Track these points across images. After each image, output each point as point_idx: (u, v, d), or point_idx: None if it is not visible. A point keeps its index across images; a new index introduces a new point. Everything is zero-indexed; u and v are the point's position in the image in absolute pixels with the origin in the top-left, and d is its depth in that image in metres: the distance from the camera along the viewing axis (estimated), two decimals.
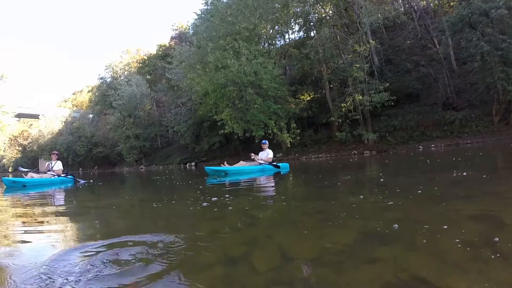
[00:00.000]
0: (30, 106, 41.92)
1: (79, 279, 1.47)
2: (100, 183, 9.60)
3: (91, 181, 9.78)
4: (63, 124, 39.46)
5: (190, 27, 29.38)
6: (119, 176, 15.24)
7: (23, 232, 2.73)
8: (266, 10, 17.91)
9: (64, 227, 2.92)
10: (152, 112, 28.92)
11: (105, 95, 31.87)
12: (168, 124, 25.10)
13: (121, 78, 33.77)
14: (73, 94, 63.03)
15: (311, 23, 19.14)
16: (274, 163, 8.49)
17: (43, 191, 6.96)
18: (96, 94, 39.94)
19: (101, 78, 38.41)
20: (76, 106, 53.83)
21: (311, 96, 20.14)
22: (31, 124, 49.77)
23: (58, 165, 9.35)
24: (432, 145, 14.69)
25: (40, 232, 2.74)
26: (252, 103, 16.46)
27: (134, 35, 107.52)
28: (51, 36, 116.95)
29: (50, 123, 40.27)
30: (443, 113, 15.96)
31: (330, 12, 19.17)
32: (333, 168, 9.00)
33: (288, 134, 17.37)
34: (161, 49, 39.52)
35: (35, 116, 42.54)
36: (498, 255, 1.41)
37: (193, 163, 23.03)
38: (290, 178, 6.55)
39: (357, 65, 15.79)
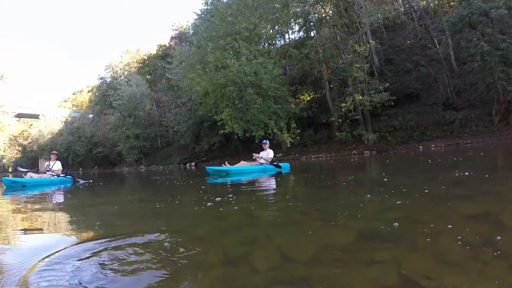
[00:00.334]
0: (30, 106, 41.91)
1: (78, 279, 1.47)
2: (101, 183, 9.60)
3: (91, 181, 9.77)
4: (63, 124, 39.45)
5: (190, 27, 29.40)
6: (119, 176, 15.24)
7: (23, 232, 2.73)
8: (266, 10, 17.91)
9: (64, 227, 2.92)
10: (152, 112, 28.92)
11: (105, 95, 31.87)
12: (168, 124, 25.09)
13: (121, 78, 33.75)
14: (73, 94, 63.05)
15: (311, 23, 19.15)
16: (275, 163, 8.49)
17: (43, 191, 6.96)
18: (96, 94, 39.94)
19: (101, 78, 38.43)
20: (76, 106, 53.82)
21: (311, 96, 20.14)
22: (31, 124, 49.75)
23: (57, 165, 9.34)
24: (432, 145, 14.70)
25: (40, 232, 2.74)
26: (252, 103, 16.46)
27: (134, 35, 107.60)
28: (51, 36, 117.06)
29: (50, 123, 40.26)
30: (443, 113, 15.97)
31: (330, 12, 19.17)
32: (334, 168, 8.99)
33: (288, 134, 17.37)
34: (161, 49, 39.52)
35: (35, 116, 42.53)
36: (498, 255, 1.41)
37: (193, 163, 23.03)
38: (293, 178, 6.54)
39: (357, 65, 15.80)
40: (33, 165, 34.01)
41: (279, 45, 21.78)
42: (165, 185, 7.25)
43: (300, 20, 19.80)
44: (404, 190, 3.32)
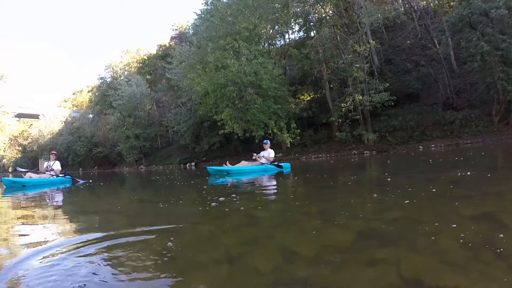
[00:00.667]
0: (30, 106, 41.90)
1: (77, 278, 1.47)
2: (101, 183, 9.59)
3: (90, 181, 9.76)
4: (63, 124, 39.45)
5: (190, 27, 29.39)
6: (119, 176, 15.24)
7: (22, 231, 2.73)
8: (266, 10, 17.90)
9: (65, 227, 2.92)
10: (152, 112, 28.91)
11: (105, 95, 31.86)
12: (168, 124, 25.09)
13: (121, 78, 33.73)
14: (73, 94, 63.04)
15: (311, 23, 19.14)
16: (276, 163, 8.48)
17: (43, 191, 6.96)
18: (96, 94, 39.92)
19: (101, 78, 38.41)
20: (76, 106, 53.81)
21: (311, 96, 20.14)
22: (31, 124, 49.75)
23: (56, 165, 9.34)
24: (432, 145, 14.70)
25: (40, 232, 2.73)
26: (252, 103, 16.46)
27: (134, 35, 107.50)
28: (51, 36, 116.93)
29: (50, 123, 40.26)
30: (443, 113, 15.96)
31: (330, 12, 19.17)
32: (335, 168, 8.99)
33: (288, 134, 17.37)
34: (161, 49, 39.51)
35: (35, 116, 42.52)
36: (499, 255, 1.41)
37: (193, 163, 23.03)
38: (295, 178, 6.52)
39: (357, 65, 15.79)
40: (33, 165, 33.99)
41: (279, 45, 21.77)
42: (166, 185, 7.24)
43: (300, 20, 19.80)
44: (410, 189, 3.33)
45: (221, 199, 3.59)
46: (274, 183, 5.86)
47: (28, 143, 45.25)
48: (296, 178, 6.60)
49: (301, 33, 20.96)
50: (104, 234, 2.32)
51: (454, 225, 1.87)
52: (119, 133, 27.95)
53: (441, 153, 10.10)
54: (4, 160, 52.11)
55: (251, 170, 8.02)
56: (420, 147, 14.79)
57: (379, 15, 15.88)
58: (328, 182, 5.48)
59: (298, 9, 18.72)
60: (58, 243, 2.14)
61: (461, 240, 1.61)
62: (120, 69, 38.93)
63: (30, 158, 44.53)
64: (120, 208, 3.95)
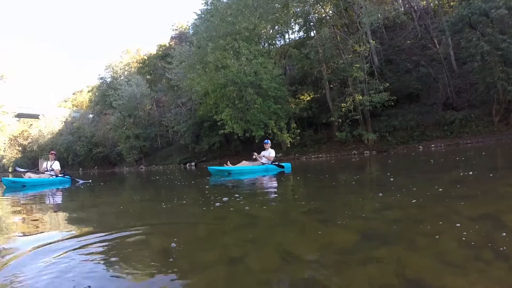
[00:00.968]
0: (30, 106, 41.96)
1: (77, 277, 1.47)
2: (102, 183, 9.58)
3: (90, 181, 9.73)
4: (63, 124, 39.47)
5: (190, 27, 29.39)
6: (119, 176, 15.23)
7: (22, 231, 2.73)
8: (266, 10, 17.91)
9: (65, 227, 2.92)
10: (152, 112, 28.91)
11: (105, 95, 31.85)
12: (168, 124, 25.09)
13: (121, 78, 33.74)
14: (73, 94, 63.08)
15: (311, 23, 19.14)
16: (277, 163, 8.48)
17: (43, 191, 6.95)
18: (96, 94, 39.92)
19: (101, 78, 38.40)
20: (76, 106, 53.83)
21: (311, 96, 20.14)
22: (31, 124, 49.77)
23: (56, 165, 9.34)
24: (432, 145, 14.70)
25: (40, 232, 2.73)
26: (252, 103, 16.46)
27: (134, 35, 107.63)
28: (51, 36, 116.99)
29: (50, 123, 40.28)
30: (443, 113, 15.97)
31: (330, 12, 19.17)
32: (336, 168, 8.98)
33: (288, 134, 17.37)
34: (161, 49, 39.51)
35: (35, 116, 42.55)
36: (499, 255, 1.41)
37: (193, 163, 23.04)
38: (298, 178, 6.50)
39: (357, 65, 15.80)
40: (33, 165, 33.99)
41: (279, 45, 21.77)
42: (167, 185, 7.22)
43: (300, 20, 19.80)
44: (414, 189, 3.32)
45: (225, 199, 3.58)
46: (277, 183, 5.84)
47: (28, 143, 45.29)
48: (298, 178, 6.58)
49: (301, 33, 20.99)
50: (105, 233, 2.32)
51: (458, 224, 1.87)
52: (119, 133, 27.96)
53: (442, 153, 10.10)
54: (4, 160, 52.15)
55: (252, 170, 8.01)
56: (420, 147, 14.80)
57: (379, 15, 15.90)
58: (331, 182, 5.48)
59: (298, 9, 18.72)
60: (58, 242, 2.14)
61: (464, 239, 1.61)
62: (120, 69, 38.91)
63: (30, 158, 44.56)
64: (122, 208, 3.94)
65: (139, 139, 27.41)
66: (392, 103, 15.66)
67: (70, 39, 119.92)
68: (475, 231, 1.75)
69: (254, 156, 8.73)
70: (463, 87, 17.18)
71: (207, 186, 5.68)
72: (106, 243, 2.05)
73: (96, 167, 33.68)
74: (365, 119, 16.60)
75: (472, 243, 1.57)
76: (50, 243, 2.10)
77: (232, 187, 5.47)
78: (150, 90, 29.32)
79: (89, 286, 1.40)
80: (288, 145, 17.68)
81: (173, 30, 40.20)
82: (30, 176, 8.88)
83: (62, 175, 9.44)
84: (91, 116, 38.61)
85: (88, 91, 52.74)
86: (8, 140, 42.55)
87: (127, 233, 2.33)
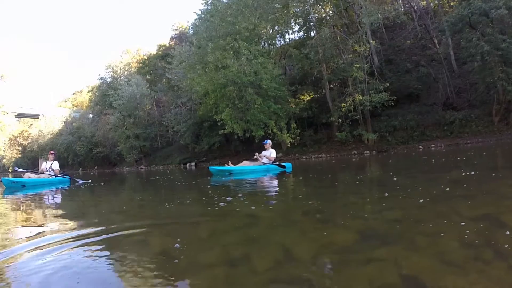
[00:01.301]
0: (30, 106, 41.94)
1: (76, 276, 1.47)
2: (102, 183, 9.58)
3: (89, 181, 9.72)
4: (63, 124, 39.45)
5: (190, 27, 29.38)
6: (119, 176, 15.23)
7: (22, 231, 2.73)
8: (266, 10, 17.90)
9: (65, 226, 2.92)
10: (152, 112, 28.91)
11: (105, 95, 31.84)
12: (168, 124, 25.09)
13: (121, 78, 33.73)
14: (73, 94, 63.05)
15: (311, 23, 19.14)
16: (277, 163, 8.47)
17: (43, 191, 6.95)
18: (96, 94, 39.89)
19: (101, 78, 38.37)
20: (76, 106, 53.80)
21: (311, 96, 20.14)
22: (31, 124, 49.76)
23: (55, 165, 9.36)
24: (432, 145, 14.70)
25: (40, 232, 2.73)
26: (252, 103, 16.46)
27: (134, 35, 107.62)
28: (51, 36, 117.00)
29: (50, 123, 40.27)
30: (443, 113, 15.97)
31: (330, 12, 19.17)
32: (338, 168, 8.97)
33: (288, 134, 17.37)
34: (161, 49, 39.50)
35: (35, 116, 42.53)
36: (499, 255, 1.41)
37: (193, 163, 23.03)
38: (301, 178, 6.49)
39: (357, 65, 15.79)
40: (33, 165, 34.02)
41: (279, 45, 21.76)
42: (169, 185, 7.21)
43: (300, 20, 19.80)
44: (420, 188, 3.32)
45: (229, 199, 3.58)
46: (278, 183, 5.85)
47: (28, 143, 45.27)
48: (301, 178, 6.58)
49: (301, 33, 20.98)
50: (105, 233, 2.32)
51: (459, 224, 1.87)
52: (119, 133, 27.95)
53: (442, 153, 10.10)
54: (4, 160, 52.15)
55: (254, 170, 8.01)
56: (420, 147, 14.80)
57: (379, 15, 15.90)
58: (333, 182, 5.47)
59: (298, 9, 18.72)
60: (58, 241, 2.14)
61: (464, 239, 1.61)
62: (120, 69, 38.89)
63: (30, 158, 44.56)
64: (125, 208, 3.94)
65: (139, 139, 27.41)
66: (392, 103, 15.66)
67: (70, 39, 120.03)
68: (476, 231, 1.75)
69: (255, 156, 8.73)
70: (463, 87, 17.18)
71: (209, 186, 5.68)
72: (107, 243, 2.05)
73: (96, 167, 33.68)
74: (365, 119, 16.60)
75: (472, 243, 1.58)
76: (51, 243, 2.10)
77: (235, 187, 5.46)
78: (150, 90, 29.32)
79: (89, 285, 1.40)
80: (288, 145, 17.68)
81: (173, 30, 40.22)
82: (29, 176, 8.89)
83: (61, 175, 9.45)
84: (91, 116, 38.60)
85: (88, 91, 52.72)
86: (8, 140, 42.53)
87: (129, 231, 2.33)
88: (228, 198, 3.58)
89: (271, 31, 20.15)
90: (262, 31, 19.02)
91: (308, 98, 20.00)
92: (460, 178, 3.98)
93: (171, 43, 37.08)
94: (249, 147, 18.28)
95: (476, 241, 1.59)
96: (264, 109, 16.69)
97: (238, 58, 16.22)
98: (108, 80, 37.58)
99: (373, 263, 1.46)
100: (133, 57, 42.41)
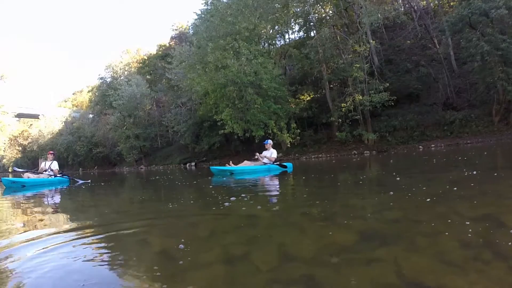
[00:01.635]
0: (30, 106, 41.98)
1: (76, 276, 1.47)
2: (102, 183, 9.57)
3: (89, 181, 9.71)
4: (63, 124, 39.45)
5: (190, 27, 29.39)
6: (119, 176, 15.23)
7: (22, 231, 2.73)
8: (266, 10, 17.91)
9: (65, 226, 2.92)
10: (152, 112, 28.91)
11: (105, 95, 31.85)
12: (168, 124, 25.10)
13: (121, 78, 33.73)
14: (73, 94, 63.07)
15: (311, 23, 19.15)
16: (278, 163, 8.47)
17: (43, 192, 6.95)
18: (96, 94, 39.89)
19: (101, 78, 38.37)
20: (76, 106, 53.81)
21: (311, 96, 20.14)
22: (31, 124, 49.76)
23: (54, 165, 9.37)
24: (432, 145, 14.70)
25: (40, 232, 2.73)
26: (252, 103, 16.46)
27: (134, 35, 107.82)
28: (51, 36, 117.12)
29: (50, 123, 40.27)
30: (443, 113, 15.97)
31: (330, 12, 19.17)
32: (339, 168, 8.95)
33: (288, 134, 17.37)
34: (161, 49, 39.51)
35: (35, 116, 42.55)
36: (499, 255, 1.41)
37: (193, 163, 23.03)
38: (302, 178, 6.47)
39: (357, 65, 15.80)
40: (33, 165, 34.03)
41: (279, 45, 21.77)
42: (170, 185, 7.19)
43: (300, 20, 19.80)
44: (424, 188, 3.32)
45: (232, 198, 3.58)
46: (279, 183, 5.84)
47: (28, 143, 45.28)
48: (301, 178, 6.57)
49: (301, 33, 20.99)
50: (105, 234, 2.32)
51: (458, 224, 1.87)
52: (119, 133, 27.96)
53: (443, 153, 10.09)
54: (4, 160, 52.16)
55: (255, 170, 8.01)
56: (420, 147, 14.80)
57: (379, 15, 15.90)
58: (334, 182, 5.46)
59: (298, 9, 18.73)
60: (58, 242, 2.14)
61: (464, 239, 1.61)
62: (120, 69, 38.89)
63: (30, 158, 44.56)
64: (127, 208, 3.94)
65: (139, 139, 27.41)
66: (392, 103, 15.66)
67: (70, 39, 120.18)
68: (476, 231, 1.75)
69: (256, 156, 8.74)
70: (463, 87, 17.18)
71: (211, 186, 5.67)
72: (107, 243, 2.05)
73: (96, 167, 33.68)
74: (365, 119, 16.60)
75: (472, 243, 1.58)
76: (51, 243, 2.10)
77: (237, 187, 5.46)
78: (150, 90, 29.33)
79: (83, 284, 1.40)
80: (288, 145, 17.68)
81: (173, 30, 40.25)
82: (29, 176, 8.90)
83: (60, 175, 9.45)
84: (91, 116, 38.60)
85: (88, 91, 52.71)
86: (8, 140, 42.54)
87: (129, 231, 2.33)
88: (232, 198, 3.59)
89: (271, 31, 20.16)
90: (262, 31, 19.02)
91: (308, 98, 20.01)
92: (460, 178, 3.98)
93: (171, 43, 37.09)
94: (249, 147, 18.28)
95: (476, 241, 1.59)
96: (264, 109, 16.69)
97: (238, 58, 16.22)
98: (108, 80, 37.59)
99: (373, 263, 1.46)
100: (133, 57, 42.42)
